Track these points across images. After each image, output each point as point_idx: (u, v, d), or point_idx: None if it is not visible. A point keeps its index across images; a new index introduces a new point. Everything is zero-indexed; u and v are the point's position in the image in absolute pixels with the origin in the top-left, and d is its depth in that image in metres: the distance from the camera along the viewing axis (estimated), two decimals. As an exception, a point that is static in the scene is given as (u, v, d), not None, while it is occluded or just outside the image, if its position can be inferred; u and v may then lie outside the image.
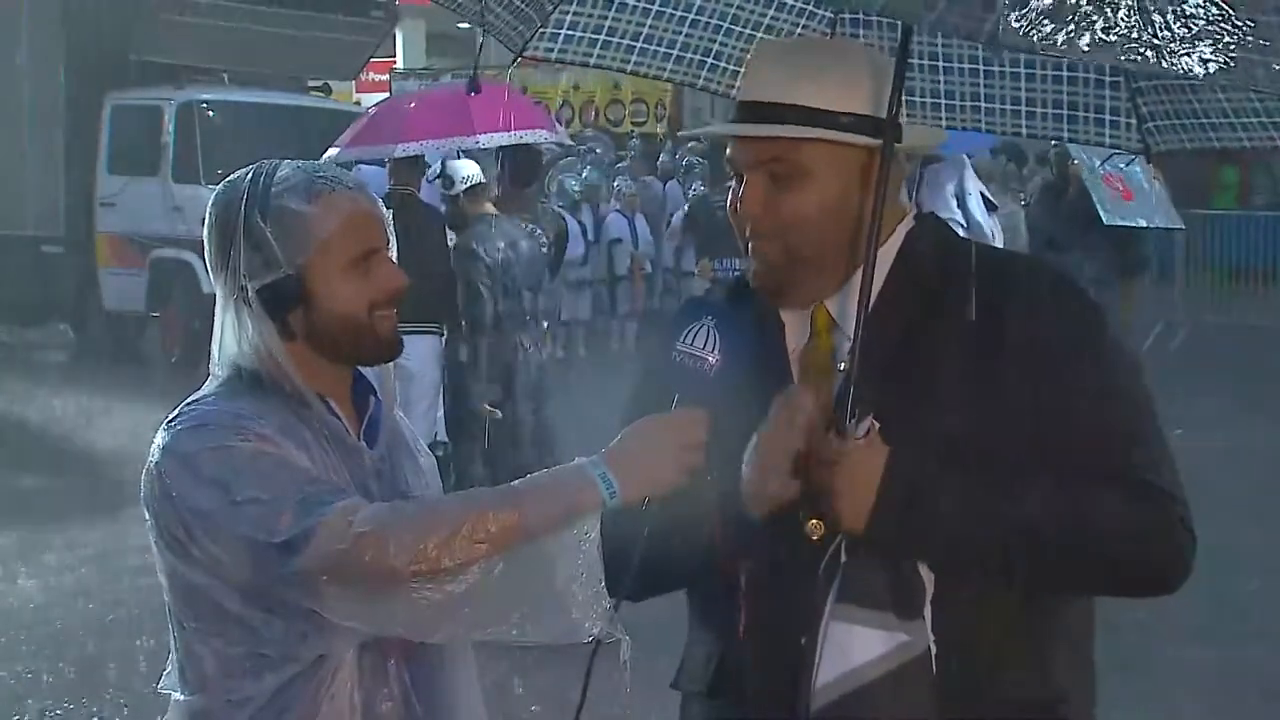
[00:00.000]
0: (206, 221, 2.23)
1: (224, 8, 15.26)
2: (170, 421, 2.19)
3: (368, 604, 2.05)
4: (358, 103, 19.03)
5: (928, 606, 2.03)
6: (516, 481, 2.12)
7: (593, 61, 2.69)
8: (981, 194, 12.36)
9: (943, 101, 2.72)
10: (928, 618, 2.03)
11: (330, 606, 2.05)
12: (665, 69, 2.72)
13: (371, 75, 21.19)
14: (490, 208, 7.54)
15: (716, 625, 2.23)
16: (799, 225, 2.13)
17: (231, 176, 2.25)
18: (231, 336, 2.22)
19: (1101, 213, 11.85)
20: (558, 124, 12.77)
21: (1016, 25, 1.79)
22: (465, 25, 24.54)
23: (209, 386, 2.25)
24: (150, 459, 2.17)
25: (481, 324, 7.24)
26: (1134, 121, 2.64)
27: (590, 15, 2.64)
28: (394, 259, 2.27)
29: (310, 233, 2.18)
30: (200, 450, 2.11)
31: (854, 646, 2.01)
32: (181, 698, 2.23)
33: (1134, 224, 12.41)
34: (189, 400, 2.23)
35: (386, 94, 20.08)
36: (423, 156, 8.52)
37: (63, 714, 5.97)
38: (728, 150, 2.20)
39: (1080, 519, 2.03)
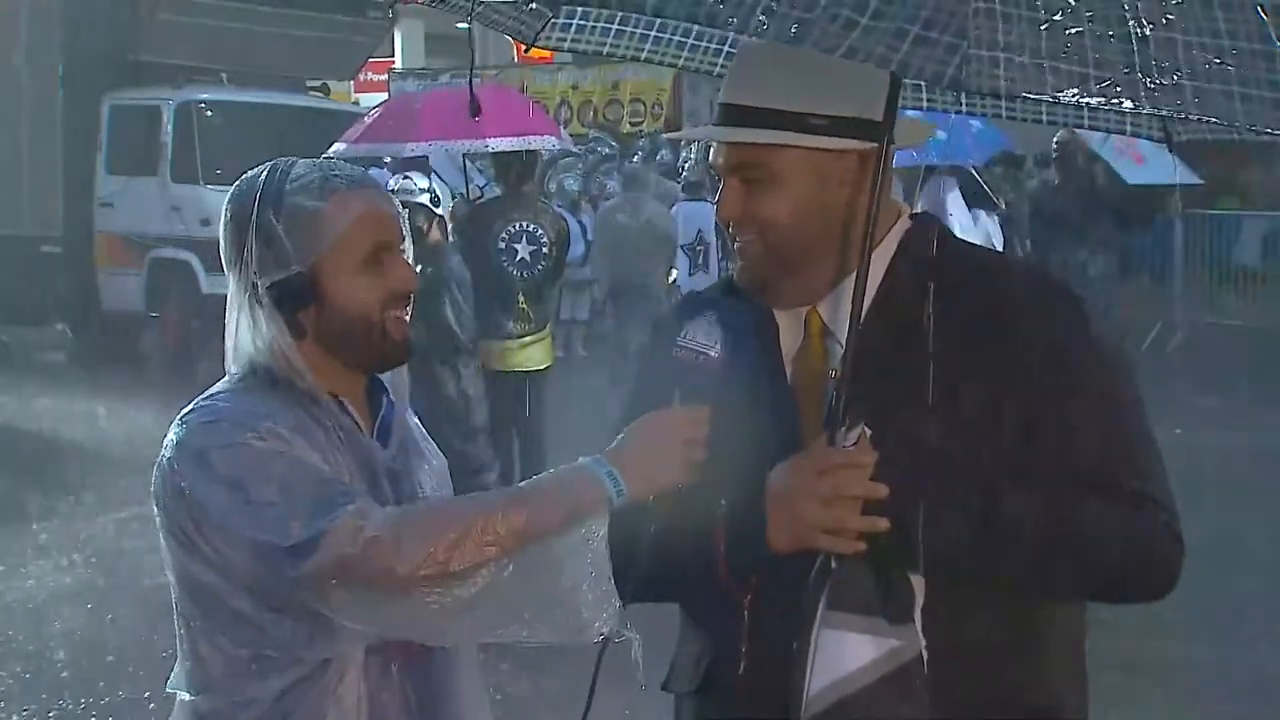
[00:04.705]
0: (222, 218, 2.23)
1: (222, 8, 15.26)
2: (184, 416, 2.19)
3: (377, 608, 2.04)
4: (356, 102, 19.05)
5: (918, 612, 2.03)
6: (523, 483, 2.12)
7: (606, 50, 2.68)
8: (984, 194, 12.36)
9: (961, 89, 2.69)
10: (918, 623, 2.03)
11: (339, 610, 2.05)
12: (680, 57, 2.70)
13: (370, 75, 21.18)
14: (438, 235, 7.58)
15: (707, 628, 2.23)
16: (773, 227, 2.13)
17: (248, 173, 2.25)
18: (245, 334, 2.22)
19: (1122, 174, 11.88)
20: (558, 125, 12.78)
21: (978, 67, 1.76)
22: (464, 25, 24.53)
23: (223, 383, 2.25)
24: (163, 453, 2.16)
25: (449, 353, 7.41)
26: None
27: (603, 5, 2.61)
28: (409, 259, 2.26)
29: (322, 230, 2.17)
30: (213, 447, 2.11)
31: (846, 653, 2.00)
32: (187, 697, 2.22)
33: (1154, 181, 12.46)
34: (203, 395, 2.23)
35: (385, 94, 20.09)
36: (427, 159, 8.56)
37: (62, 714, 5.97)
38: (710, 152, 2.21)
39: (1068, 528, 2.03)
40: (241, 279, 2.20)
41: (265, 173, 2.22)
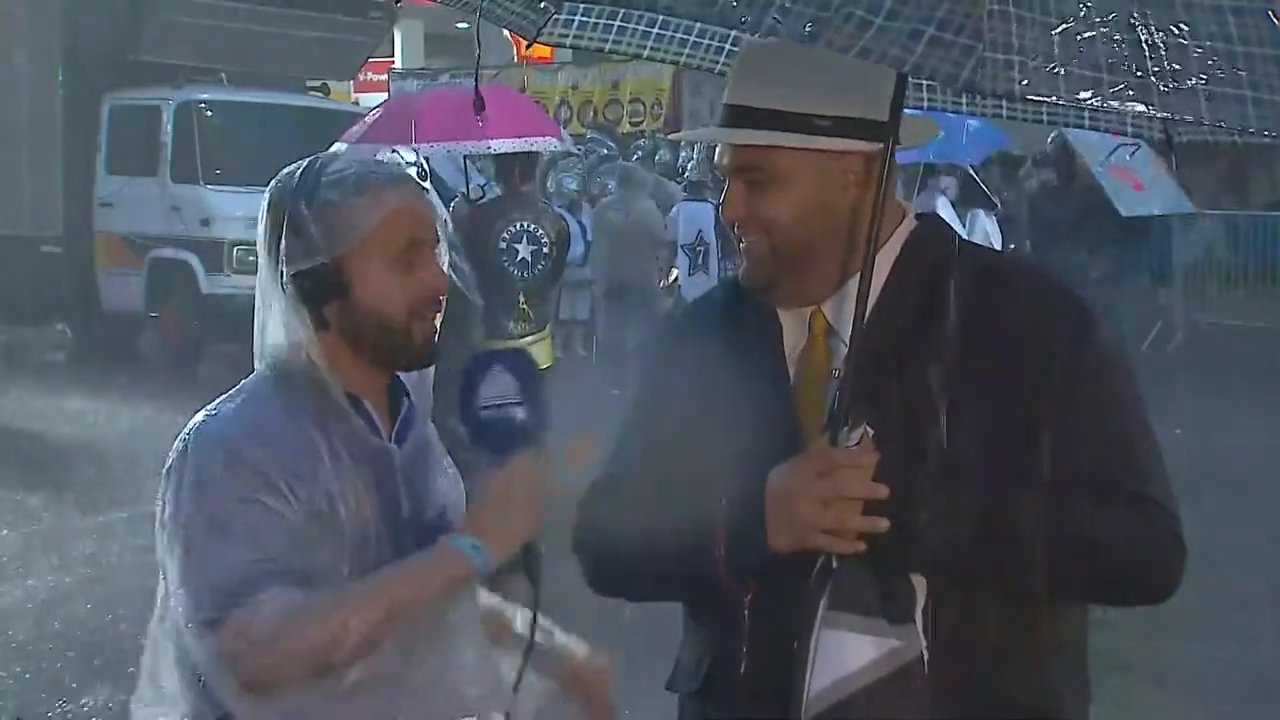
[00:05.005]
0: (260, 207, 2.23)
1: (223, 8, 15.27)
2: (202, 417, 2.19)
3: (264, 699, 2.05)
4: (356, 102, 19.05)
5: (919, 612, 2.03)
6: (388, 568, 2.13)
7: (608, 47, 2.68)
8: (982, 194, 12.36)
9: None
10: (919, 623, 2.03)
11: (233, 693, 2.06)
12: (682, 54, 2.70)
13: (370, 75, 21.18)
14: None
15: (708, 629, 2.23)
16: (778, 228, 2.13)
17: (290, 166, 2.25)
18: (270, 326, 2.22)
19: (1118, 205, 11.87)
20: (559, 125, 12.79)
21: (993, 70, 1.76)
22: (464, 25, 24.53)
23: (246, 381, 2.25)
24: (176, 446, 2.17)
25: (467, 331, 7.37)
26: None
27: (613, 1, 2.61)
28: (441, 259, 2.25)
29: (353, 224, 2.16)
30: (190, 468, 2.12)
31: (846, 653, 2.00)
32: (132, 704, 2.23)
33: (1150, 213, 12.45)
34: (226, 393, 2.23)
35: (385, 94, 20.09)
36: (429, 160, 8.55)
37: (62, 714, 5.97)
38: (714, 152, 2.22)
39: (1069, 529, 2.04)
40: (271, 269, 2.20)
41: (304, 166, 2.22)
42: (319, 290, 2.17)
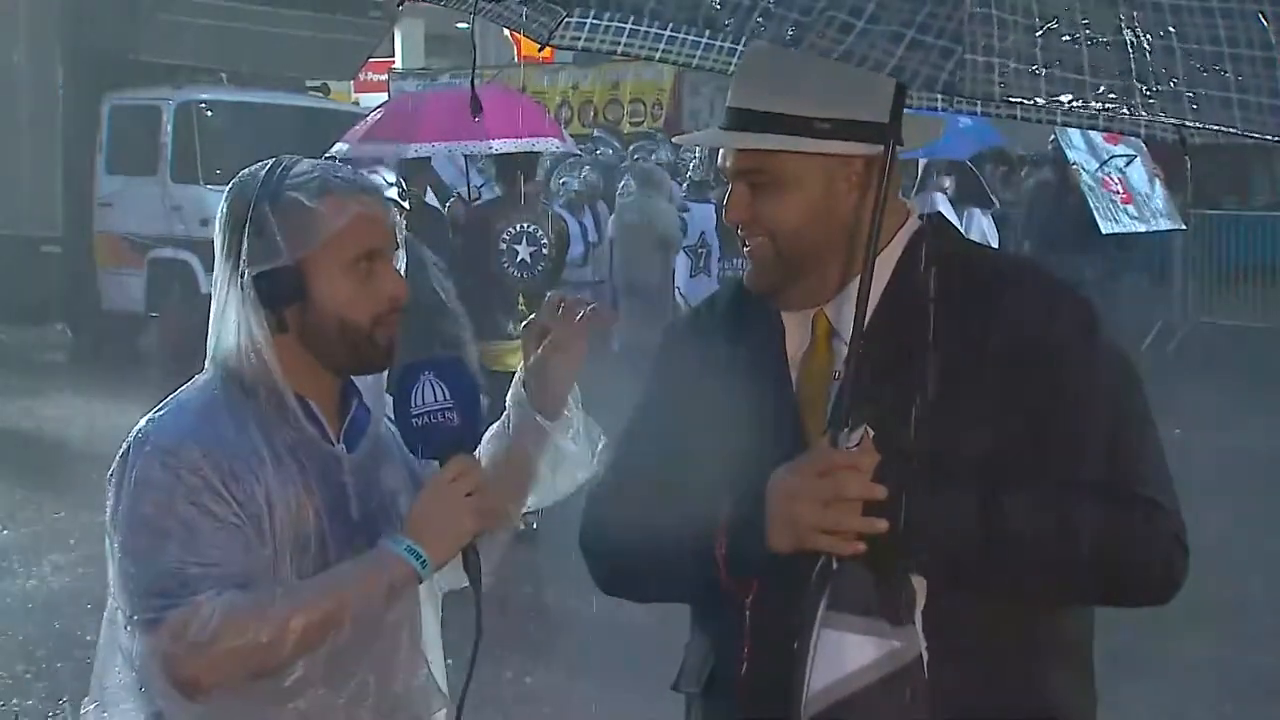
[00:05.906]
0: (220, 209, 2.24)
1: (223, 8, 15.27)
2: (150, 417, 2.21)
3: (199, 700, 2.07)
4: (356, 102, 19.06)
5: (919, 613, 2.03)
6: (329, 572, 2.15)
7: (620, 50, 2.67)
8: (980, 192, 12.36)
9: None
10: (919, 624, 2.03)
11: (169, 694, 2.08)
12: (694, 56, 2.70)
13: (370, 75, 21.19)
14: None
15: (710, 629, 2.24)
16: (781, 231, 2.14)
17: (251, 168, 2.25)
18: (225, 326, 2.22)
19: (1099, 222, 11.84)
20: (560, 126, 12.80)
21: (973, 73, 1.76)
22: (464, 25, 24.51)
23: (198, 379, 2.26)
24: (119, 450, 2.19)
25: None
26: None
27: (603, 7, 2.60)
28: (398, 267, 2.26)
29: (316, 228, 2.17)
30: (133, 467, 2.14)
31: (846, 653, 2.00)
32: (83, 705, 2.24)
33: (1132, 230, 12.41)
34: (172, 397, 2.24)
35: (385, 94, 20.10)
36: (430, 159, 8.56)
37: (62, 714, 5.96)
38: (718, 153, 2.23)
39: (1068, 532, 2.04)
40: (231, 269, 2.20)
41: (267, 168, 2.23)
42: (280, 292, 2.18)
